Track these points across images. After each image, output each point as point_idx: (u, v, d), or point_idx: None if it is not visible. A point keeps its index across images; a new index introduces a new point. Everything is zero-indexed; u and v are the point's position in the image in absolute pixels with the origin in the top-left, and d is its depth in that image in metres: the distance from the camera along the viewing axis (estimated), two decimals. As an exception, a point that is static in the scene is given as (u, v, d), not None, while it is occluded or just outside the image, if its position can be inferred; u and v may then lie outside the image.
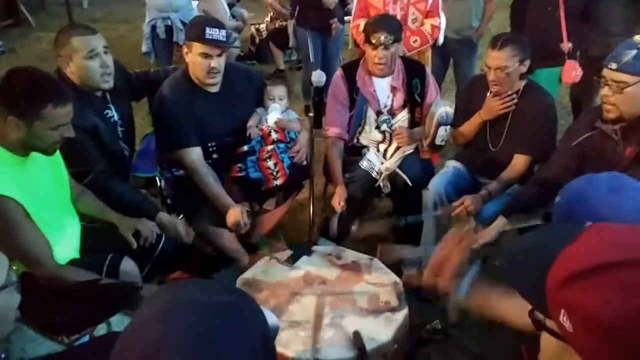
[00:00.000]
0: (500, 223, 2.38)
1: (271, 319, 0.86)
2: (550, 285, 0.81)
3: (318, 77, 2.55)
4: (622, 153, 2.13)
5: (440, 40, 3.48)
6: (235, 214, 2.44)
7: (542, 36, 3.20)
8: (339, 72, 2.93)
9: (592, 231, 0.83)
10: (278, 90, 2.80)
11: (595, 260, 0.77)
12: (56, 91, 1.85)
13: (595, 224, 0.85)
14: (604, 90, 2.06)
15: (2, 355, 1.33)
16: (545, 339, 0.88)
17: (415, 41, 3.32)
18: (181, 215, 2.72)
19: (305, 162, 2.76)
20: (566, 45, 3.34)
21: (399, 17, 3.22)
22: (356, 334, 1.87)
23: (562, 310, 0.79)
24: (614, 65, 2.01)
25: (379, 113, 2.87)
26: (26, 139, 1.84)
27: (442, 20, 3.40)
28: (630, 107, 2.04)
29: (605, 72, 2.05)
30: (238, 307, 0.82)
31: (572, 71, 3.33)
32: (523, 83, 2.58)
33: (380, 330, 1.93)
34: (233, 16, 6.03)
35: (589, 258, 0.78)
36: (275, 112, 2.73)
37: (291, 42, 5.04)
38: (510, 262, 0.94)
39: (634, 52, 1.97)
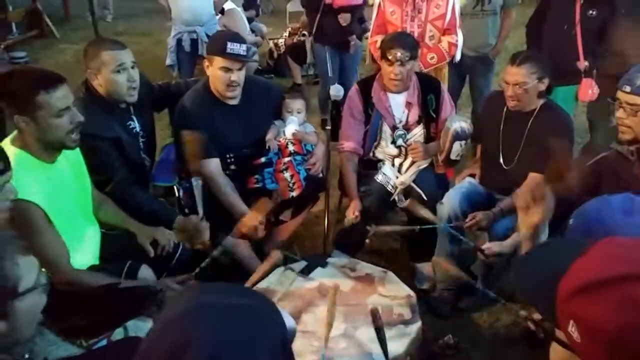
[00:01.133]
0: (515, 239, 2.39)
1: (289, 321, 0.89)
2: (560, 296, 0.83)
3: (336, 91, 2.59)
4: (638, 173, 2.14)
5: (457, 57, 3.50)
6: (251, 219, 2.47)
7: (558, 54, 3.22)
8: (354, 88, 2.97)
9: (602, 245, 0.85)
10: (297, 104, 2.86)
11: (604, 273, 0.79)
12: (44, 78, 1.90)
13: (606, 239, 0.87)
14: (619, 113, 2.08)
15: (26, 356, 1.37)
16: (555, 349, 0.90)
17: (432, 58, 3.35)
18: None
19: (321, 175, 2.80)
20: (583, 64, 3.35)
21: (416, 34, 3.26)
22: (374, 312, 1.87)
23: (571, 321, 0.81)
24: (627, 88, 2.02)
25: (394, 128, 2.90)
26: (39, 135, 1.89)
27: (460, 38, 3.42)
28: None
29: (619, 94, 2.07)
30: (259, 309, 0.85)
31: (589, 89, 3.33)
32: (541, 102, 2.60)
33: (393, 343, 1.93)
34: (252, 31, 6.14)
35: (598, 271, 0.80)
36: (293, 125, 2.78)
37: (309, 59, 5.10)
38: (522, 273, 0.96)
39: None
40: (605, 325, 0.76)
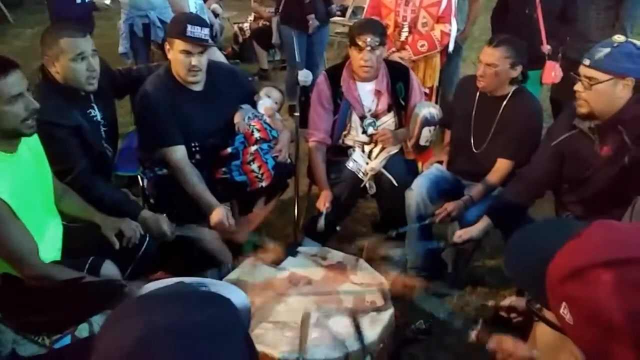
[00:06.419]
0: (484, 222, 2.41)
1: (240, 299, 0.83)
2: (551, 278, 0.82)
3: (304, 76, 2.55)
4: (598, 153, 2.17)
5: (451, 47, 3.42)
6: (219, 215, 2.42)
7: (522, 40, 3.24)
8: (322, 76, 2.92)
9: (597, 228, 0.84)
10: (276, 94, 2.84)
11: (600, 257, 0.78)
12: None
13: (599, 222, 0.86)
14: (577, 86, 2.11)
15: None
16: (541, 328, 0.90)
17: (422, 45, 3.28)
18: (164, 214, 2.70)
19: (289, 161, 2.76)
20: (546, 47, 3.39)
21: (409, 20, 3.24)
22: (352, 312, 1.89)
23: (563, 303, 0.80)
24: (587, 62, 2.05)
25: (362, 117, 2.87)
26: None
27: (453, 27, 3.35)
28: (599, 104, 2.07)
29: (580, 68, 2.10)
30: (218, 321, 0.78)
31: (552, 72, 3.39)
32: (513, 88, 2.60)
33: (366, 330, 1.93)
34: (216, 15, 5.95)
35: (594, 254, 0.79)
36: (267, 100, 2.75)
37: (274, 39, 5.02)
38: (511, 253, 0.95)
39: (607, 49, 2.01)
40: (602, 309, 0.76)
